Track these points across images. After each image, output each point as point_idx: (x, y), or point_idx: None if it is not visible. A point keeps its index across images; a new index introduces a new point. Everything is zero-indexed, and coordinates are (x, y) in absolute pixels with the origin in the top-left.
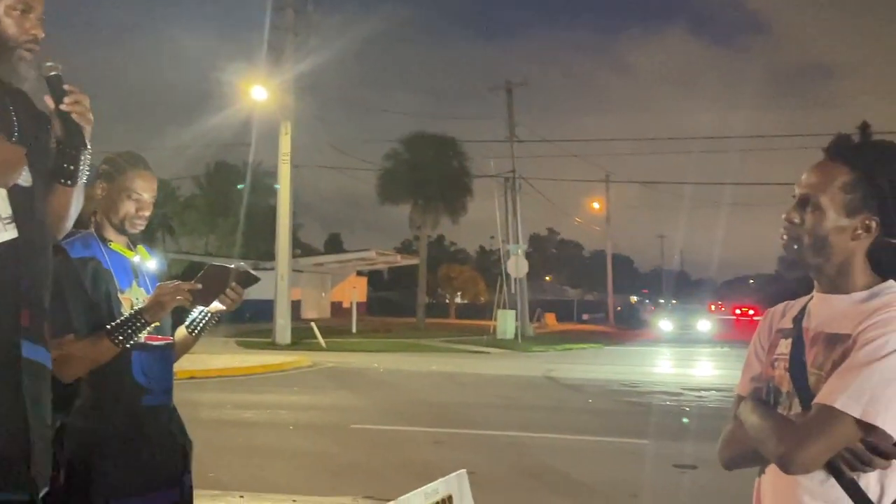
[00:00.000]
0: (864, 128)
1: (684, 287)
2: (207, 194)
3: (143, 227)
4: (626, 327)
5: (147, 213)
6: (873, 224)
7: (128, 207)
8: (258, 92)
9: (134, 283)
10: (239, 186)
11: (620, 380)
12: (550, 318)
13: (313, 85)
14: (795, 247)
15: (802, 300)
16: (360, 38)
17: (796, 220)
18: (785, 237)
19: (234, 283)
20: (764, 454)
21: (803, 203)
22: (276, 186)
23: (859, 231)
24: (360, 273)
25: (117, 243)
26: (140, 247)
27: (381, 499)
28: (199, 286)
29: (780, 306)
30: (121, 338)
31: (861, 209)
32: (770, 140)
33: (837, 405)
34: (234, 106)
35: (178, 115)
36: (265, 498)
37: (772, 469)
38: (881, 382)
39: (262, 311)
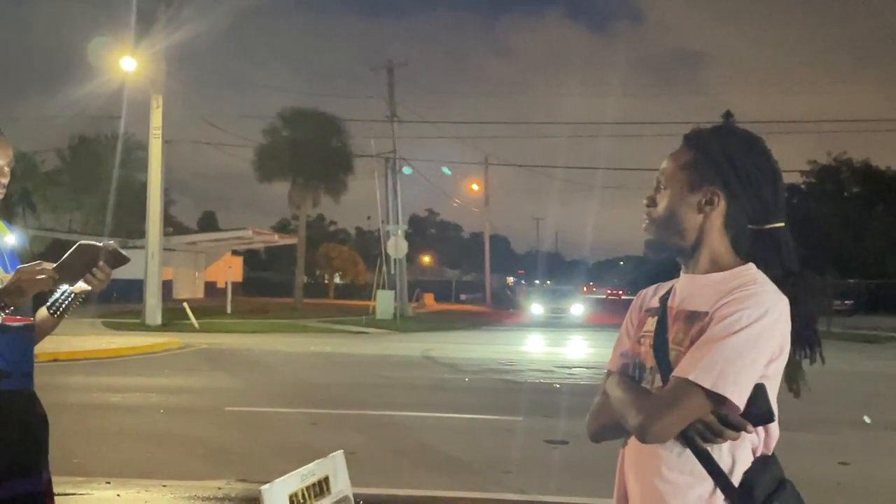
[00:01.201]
0: (727, 116)
1: (559, 268)
2: (72, 168)
3: None
4: (503, 308)
5: (4, 181)
6: (716, 198)
7: None
8: (127, 63)
9: None
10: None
11: (497, 359)
12: (429, 299)
13: (187, 57)
14: (654, 229)
15: (672, 281)
16: (238, 10)
17: (651, 204)
18: (646, 221)
19: (101, 263)
20: (625, 425)
21: (656, 186)
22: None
23: (704, 204)
24: (235, 252)
25: None
26: None
27: (256, 481)
28: (57, 276)
29: (652, 287)
30: None
31: (702, 182)
32: (641, 126)
33: (690, 377)
34: (102, 76)
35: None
36: (134, 483)
37: (633, 441)
38: (732, 356)
39: (131, 291)
